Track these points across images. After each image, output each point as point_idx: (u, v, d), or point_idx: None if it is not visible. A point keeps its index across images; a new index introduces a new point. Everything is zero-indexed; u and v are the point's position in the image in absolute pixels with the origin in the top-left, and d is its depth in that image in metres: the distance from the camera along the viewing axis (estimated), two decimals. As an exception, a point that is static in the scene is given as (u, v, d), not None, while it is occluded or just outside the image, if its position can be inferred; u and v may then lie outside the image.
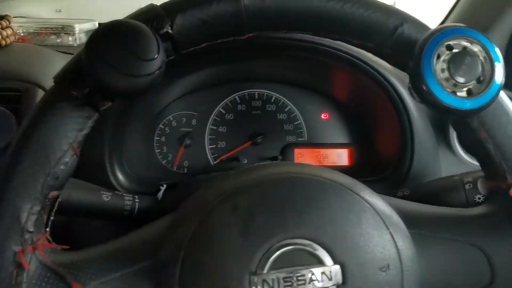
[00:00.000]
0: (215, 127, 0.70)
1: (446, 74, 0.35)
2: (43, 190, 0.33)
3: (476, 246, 0.37)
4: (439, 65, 0.35)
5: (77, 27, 0.85)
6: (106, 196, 0.47)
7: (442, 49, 0.35)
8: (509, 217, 0.38)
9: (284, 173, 0.37)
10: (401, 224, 0.36)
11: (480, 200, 0.48)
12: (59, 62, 0.67)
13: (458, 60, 0.35)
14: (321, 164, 0.71)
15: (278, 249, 0.32)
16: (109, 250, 0.35)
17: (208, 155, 0.69)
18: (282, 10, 0.37)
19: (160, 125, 0.68)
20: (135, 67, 0.32)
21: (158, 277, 0.33)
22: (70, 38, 0.86)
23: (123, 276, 0.34)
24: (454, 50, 0.35)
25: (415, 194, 0.53)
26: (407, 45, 0.37)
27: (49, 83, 0.59)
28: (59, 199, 0.36)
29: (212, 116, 0.70)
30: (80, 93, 0.34)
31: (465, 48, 0.35)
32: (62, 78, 0.34)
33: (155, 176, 0.66)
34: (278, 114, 0.71)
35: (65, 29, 0.85)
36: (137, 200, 0.50)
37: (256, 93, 0.71)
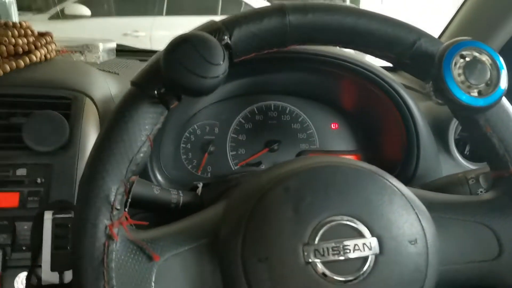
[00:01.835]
0: (235, 135, 0.76)
1: (462, 77, 0.42)
2: (127, 174, 0.39)
3: (486, 225, 0.44)
4: (456, 71, 0.42)
5: (101, 46, 0.92)
6: (156, 190, 0.53)
7: (458, 57, 0.43)
8: None
9: (327, 161, 0.43)
10: (423, 207, 0.42)
11: (482, 193, 0.55)
12: (95, 74, 0.73)
13: (472, 66, 0.42)
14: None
15: (326, 224, 0.38)
16: (177, 229, 0.41)
17: (230, 161, 0.75)
18: (320, 26, 0.44)
19: (186, 133, 0.74)
20: (206, 70, 0.38)
21: (221, 250, 0.39)
22: (94, 56, 0.92)
23: (191, 250, 0.39)
24: (467, 59, 0.43)
25: (424, 189, 0.60)
26: (424, 57, 0.44)
27: (93, 92, 0.65)
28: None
29: (232, 125, 0.76)
30: (157, 92, 0.40)
31: (475, 57, 0.43)
32: (143, 79, 0.41)
33: (184, 178, 0.71)
34: (292, 124, 0.78)
35: (90, 48, 0.91)
36: (181, 195, 0.55)
37: (272, 104, 0.78)
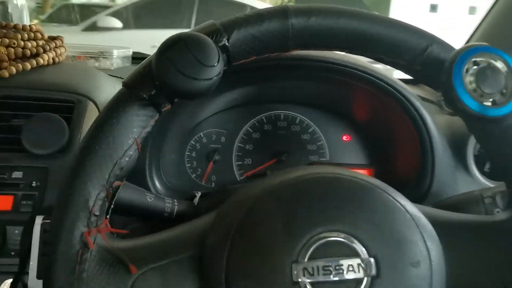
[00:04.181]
0: (242, 145, 0.74)
1: (473, 85, 0.39)
2: (109, 178, 0.37)
3: (497, 248, 0.40)
4: (468, 78, 0.39)
5: (115, 53, 0.92)
6: (149, 197, 0.51)
7: (470, 64, 0.40)
8: None
9: (326, 173, 0.40)
10: (429, 226, 0.39)
11: (498, 213, 0.51)
12: (103, 80, 0.73)
13: (485, 73, 0.39)
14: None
15: (318, 240, 0.34)
16: (160, 240, 0.39)
17: (235, 171, 0.73)
18: (324, 30, 0.42)
19: (192, 141, 0.73)
20: (198, 71, 0.36)
21: (204, 265, 0.36)
22: (108, 63, 0.92)
23: (172, 263, 0.36)
24: (481, 65, 0.39)
25: (436, 207, 0.56)
26: (436, 63, 0.41)
27: (98, 97, 0.64)
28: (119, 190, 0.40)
29: (240, 134, 0.74)
30: (147, 94, 0.38)
31: (489, 63, 0.40)
32: (133, 80, 0.39)
33: (186, 187, 0.70)
34: (302, 135, 0.75)
35: (104, 54, 0.92)
36: (176, 203, 0.53)
37: (282, 114, 0.75)
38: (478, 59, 0.40)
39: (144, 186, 0.59)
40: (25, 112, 0.59)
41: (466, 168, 0.67)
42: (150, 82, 0.38)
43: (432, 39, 0.43)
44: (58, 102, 0.60)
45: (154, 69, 0.37)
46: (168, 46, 0.37)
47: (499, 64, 0.39)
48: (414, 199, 0.64)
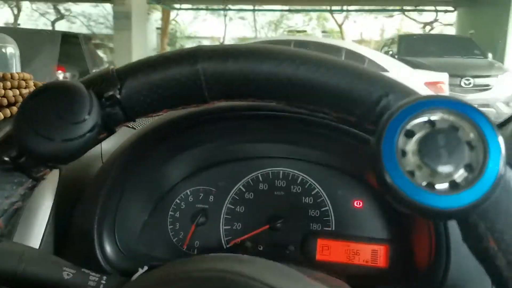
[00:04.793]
0: (232, 206, 0.64)
1: (416, 159, 0.26)
2: None
3: None
4: (410, 147, 0.27)
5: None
6: (67, 273, 0.44)
7: (417, 125, 0.27)
8: None
9: (220, 270, 0.29)
10: None
11: None
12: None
13: (435, 140, 0.26)
14: (350, 262, 0.60)
15: None
16: None
17: (222, 237, 0.63)
18: (247, 76, 0.33)
19: (177, 200, 0.65)
20: (61, 130, 0.30)
21: None
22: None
23: None
24: (436, 127, 0.27)
25: None
26: None
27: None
28: None
29: (231, 194, 0.65)
30: (9, 157, 0.32)
31: (451, 124, 0.27)
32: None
33: (162, 255, 0.62)
34: (303, 197, 0.63)
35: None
36: (103, 281, 0.45)
37: (281, 172, 0.64)
38: (435, 118, 0.27)
39: (92, 255, 0.52)
40: None
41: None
42: (13, 142, 0.32)
43: (389, 87, 0.31)
44: None
45: (13, 128, 0.31)
46: (26, 101, 0.31)
47: (465, 125, 0.26)
48: None
